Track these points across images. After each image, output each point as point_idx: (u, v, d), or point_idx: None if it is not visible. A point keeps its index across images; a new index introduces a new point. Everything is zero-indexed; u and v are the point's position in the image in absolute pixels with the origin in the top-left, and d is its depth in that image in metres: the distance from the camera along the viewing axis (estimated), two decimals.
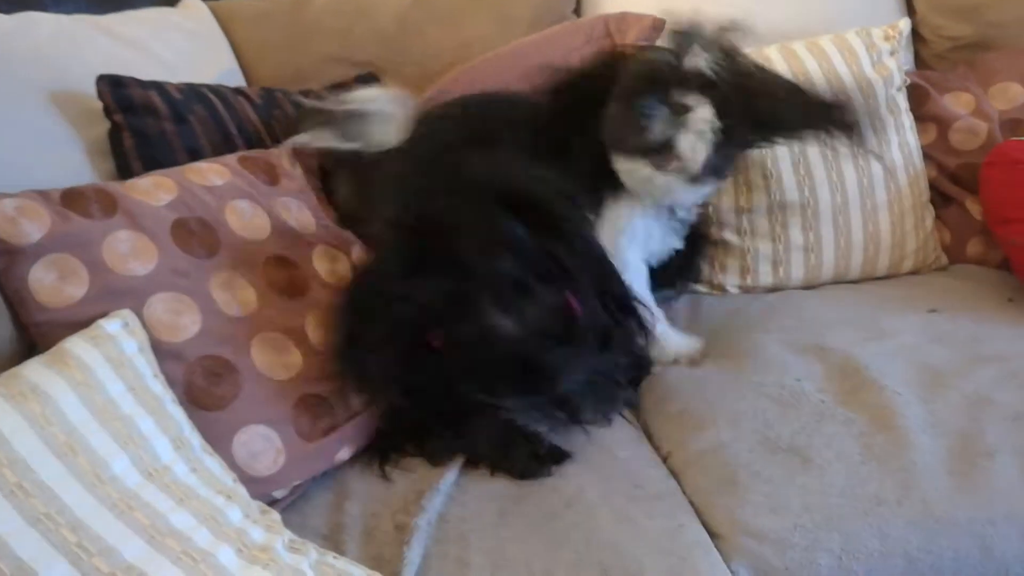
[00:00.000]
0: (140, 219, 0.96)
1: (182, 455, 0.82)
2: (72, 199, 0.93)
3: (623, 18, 1.47)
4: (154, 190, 1.00)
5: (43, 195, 0.92)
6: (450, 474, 1.00)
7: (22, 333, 0.89)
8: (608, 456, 1.04)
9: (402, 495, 0.98)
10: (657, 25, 1.44)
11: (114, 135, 1.18)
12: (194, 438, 0.86)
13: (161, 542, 0.73)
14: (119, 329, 0.86)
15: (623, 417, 1.14)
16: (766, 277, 1.41)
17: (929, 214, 1.46)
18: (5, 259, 0.87)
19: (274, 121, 1.35)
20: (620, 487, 0.98)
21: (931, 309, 1.28)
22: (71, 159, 1.15)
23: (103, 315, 0.87)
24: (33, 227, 0.88)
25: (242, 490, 0.87)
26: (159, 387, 0.86)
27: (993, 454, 0.97)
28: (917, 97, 1.50)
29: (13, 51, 1.17)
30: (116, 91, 1.17)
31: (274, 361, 0.99)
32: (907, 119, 1.46)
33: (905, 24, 1.49)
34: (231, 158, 1.14)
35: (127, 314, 0.89)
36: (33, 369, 0.77)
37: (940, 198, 1.49)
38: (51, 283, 0.87)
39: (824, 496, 0.94)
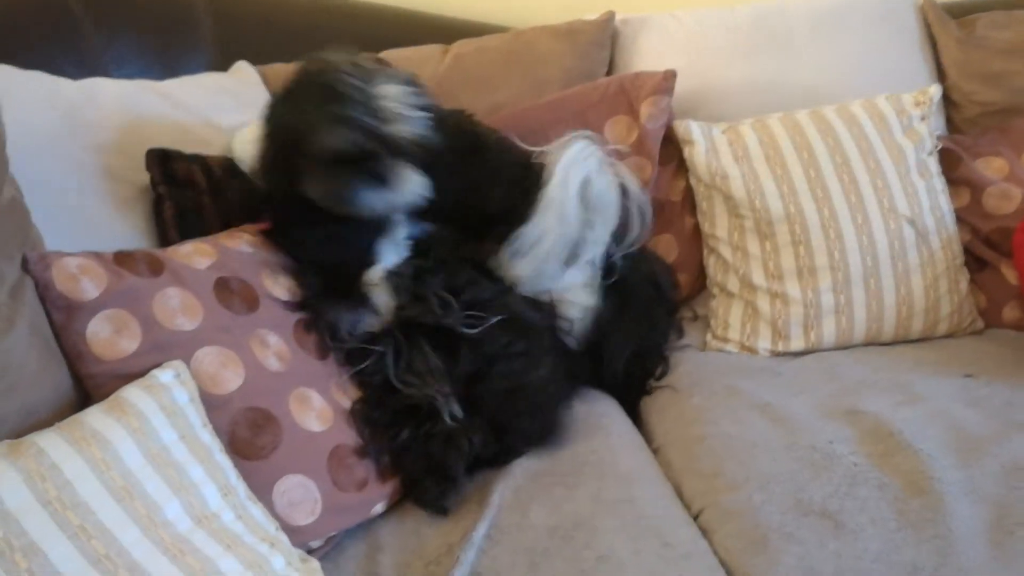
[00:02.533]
0: (185, 278, 1.01)
1: (229, 502, 0.85)
2: (123, 260, 0.98)
3: (636, 76, 1.54)
4: (194, 255, 1.06)
5: (98, 255, 0.97)
6: (482, 526, 1.01)
7: (77, 384, 0.92)
8: (639, 513, 1.04)
9: (434, 547, 0.99)
10: (668, 77, 1.50)
11: (157, 204, 1.24)
12: (240, 486, 0.89)
13: None
14: (172, 379, 0.90)
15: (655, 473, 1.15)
16: (798, 341, 1.42)
17: (964, 277, 1.46)
18: (65, 314, 0.92)
19: None
20: (650, 545, 0.98)
21: (967, 374, 1.28)
22: (127, 222, 1.21)
23: (153, 367, 0.91)
24: (91, 284, 0.93)
25: (284, 538, 0.90)
26: (208, 436, 0.90)
27: None
28: (949, 161, 1.52)
29: (80, 117, 1.23)
30: (163, 164, 1.24)
31: (309, 414, 1.02)
32: (939, 183, 1.47)
33: (936, 90, 1.51)
34: (260, 227, 1.20)
35: (179, 365, 0.93)
36: (94, 416, 0.81)
37: (975, 262, 1.49)
38: (106, 337, 0.92)
39: (858, 561, 0.93)
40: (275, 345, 1.05)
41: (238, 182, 1.28)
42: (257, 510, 0.89)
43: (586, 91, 1.54)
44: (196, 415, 0.90)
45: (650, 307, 1.39)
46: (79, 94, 1.27)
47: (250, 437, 0.95)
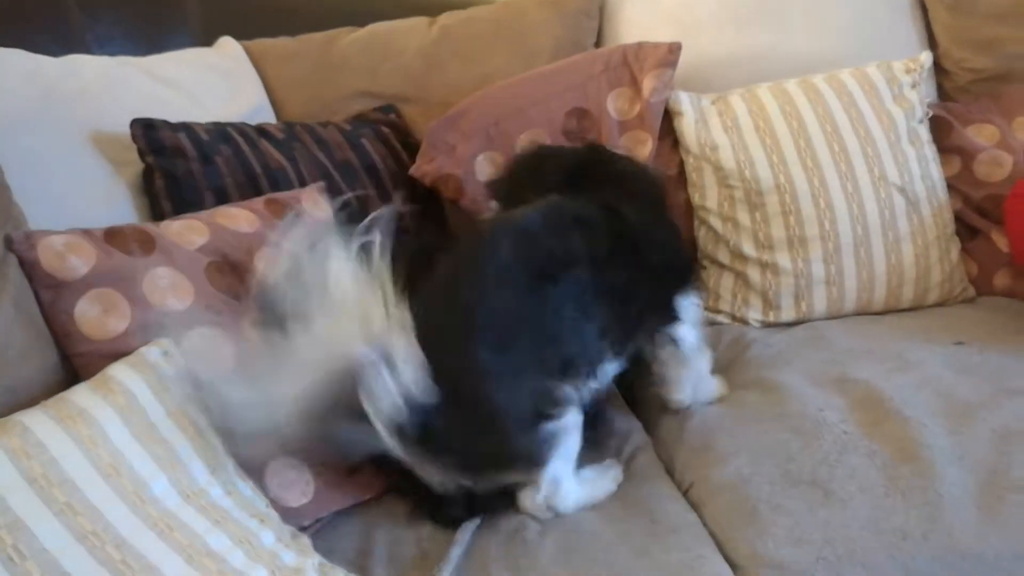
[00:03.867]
0: (177, 258, 1.00)
1: (218, 478, 0.85)
2: (113, 237, 0.97)
3: (640, 47, 1.50)
4: (186, 232, 1.04)
5: (87, 232, 0.96)
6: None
7: (65, 362, 0.92)
8: (626, 490, 1.05)
9: (429, 524, 1.00)
10: (674, 49, 1.47)
11: (147, 175, 1.23)
12: (228, 462, 0.89)
13: (199, 562, 0.76)
14: (159, 357, 0.90)
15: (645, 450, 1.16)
16: (789, 312, 1.42)
17: (955, 246, 1.46)
18: (52, 292, 0.91)
19: (296, 154, 1.38)
20: (638, 523, 0.99)
21: (957, 341, 1.27)
22: (113, 196, 1.20)
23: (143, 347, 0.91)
24: (80, 262, 0.92)
25: (274, 514, 0.90)
26: (196, 412, 0.89)
27: (1022, 488, 0.95)
28: (940, 129, 1.51)
29: (61, 93, 1.22)
30: (148, 134, 1.22)
31: None
32: (929, 151, 1.47)
33: (927, 57, 1.50)
34: (258, 202, 1.17)
35: (167, 343, 0.92)
36: (80, 394, 0.81)
37: (966, 230, 1.48)
38: (95, 316, 0.91)
39: (847, 529, 0.94)
40: None
41: (226, 148, 1.27)
42: (246, 486, 0.89)
43: (586, 61, 1.51)
44: (184, 392, 0.90)
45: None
46: (60, 71, 1.26)
47: None
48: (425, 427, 0.89)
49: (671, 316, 1.15)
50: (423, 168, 1.46)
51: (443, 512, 1.00)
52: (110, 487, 0.74)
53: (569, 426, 1.00)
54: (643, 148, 1.47)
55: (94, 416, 0.78)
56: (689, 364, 1.18)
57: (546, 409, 0.98)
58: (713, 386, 1.22)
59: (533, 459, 0.98)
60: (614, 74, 1.49)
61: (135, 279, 0.95)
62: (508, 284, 0.98)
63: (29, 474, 0.70)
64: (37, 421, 0.75)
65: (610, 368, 1.12)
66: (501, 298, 0.97)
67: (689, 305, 1.17)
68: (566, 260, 1.02)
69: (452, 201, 1.48)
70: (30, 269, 0.91)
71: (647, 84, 1.46)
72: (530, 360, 0.98)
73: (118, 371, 0.85)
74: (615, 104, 1.48)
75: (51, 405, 0.78)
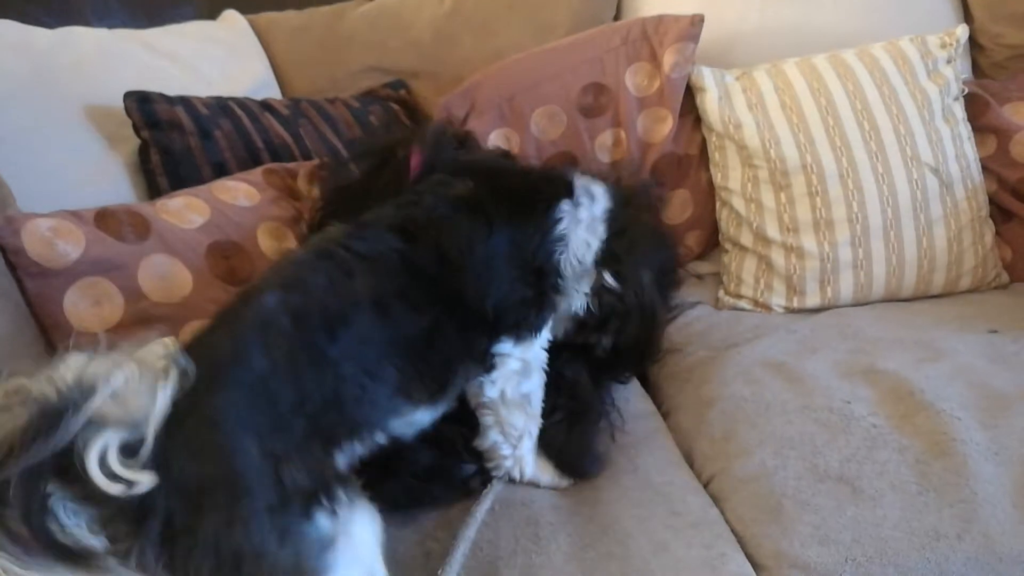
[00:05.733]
0: (174, 243, 0.95)
1: None
2: (105, 220, 0.92)
3: (660, 20, 1.44)
4: (185, 211, 1.00)
5: (76, 215, 0.91)
6: (486, 502, 0.97)
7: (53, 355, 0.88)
8: (645, 481, 1.00)
9: (431, 525, 0.95)
10: (696, 22, 1.41)
11: (143, 151, 1.19)
12: None
13: None
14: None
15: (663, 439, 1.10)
16: (813, 297, 1.36)
17: (989, 230, 1.39)
18: (39, 282, 0.86)
19: (301, 131, 1.34)
20: (657, 514, 0.94)
21: (991, 330, 1.22)
22: (108, 173, 1.16)
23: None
24: (68, 247, 0.87)
25: None
26: None
27: None
28: (976, 107, 1.44)
29: (54, 66, 1.17)
30: (143, 107, 1.18)
31: None
32: (964, 129, 1.40)
33: (963, 31, 1.43)
34: (256, 173, 1.13)
35: (169, 342, 0.86)
36: None
37: (1001, 213, 1.42)
38: (86, 308, 0.87)
39: (877, 528, 0.89)
40: None
41: (226, 122, 1.22)
42: None
43: (604, 35, 1.45)
44: None
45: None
46: (53, 42, 1.22)
47: None
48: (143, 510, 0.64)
49: (482, 366, 0.95)
50: None
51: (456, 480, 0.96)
52: None
53: (352, 528, 0.75)
54: (663, 126, 1.41)
55: None
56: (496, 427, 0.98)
57: (315, 499, 0.72)
58: (533, 470, 1.01)
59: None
60: (633, 48, 1.42)
61: (129, 267, 0.90)
62: (274, 339, 0.76)
63: None
64: None
65: (422, 417, 0.93)
66: (262, 356, 0.75)
67: (505, 355, 0.96)
68: (342, 310, 0.82)
69: None
70: (14, 256, 0.86)
71: (667, 59, 1.40)
72: (295, 430, 0.74)
73: None
74: (634, 79, 1.42)
75: None
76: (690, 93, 1.44)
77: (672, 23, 1.42)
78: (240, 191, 1.08)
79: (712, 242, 1.50)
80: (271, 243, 1.06)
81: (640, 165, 1.42)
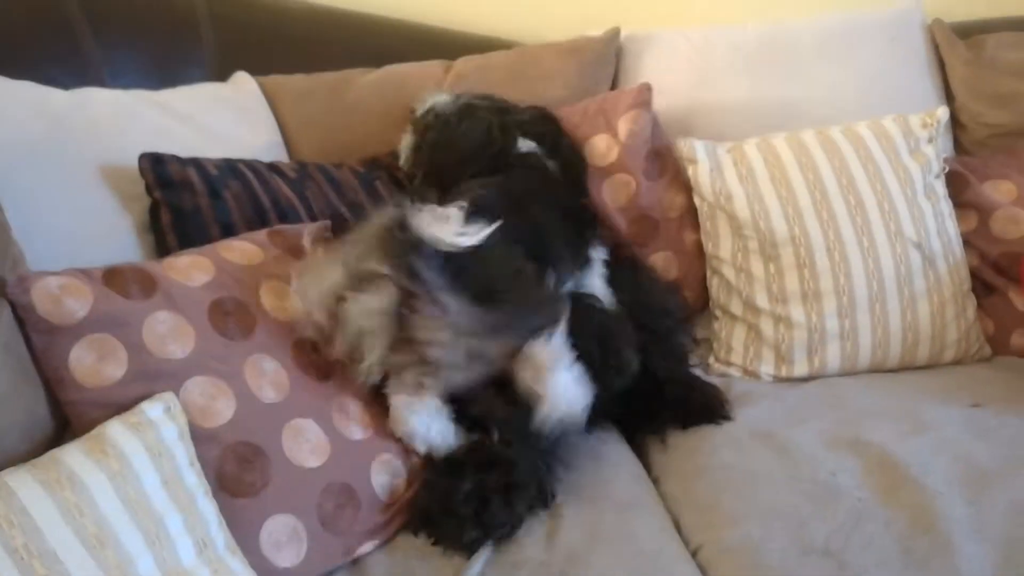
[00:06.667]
0: (178, 300, 0.97)
1: (204, 558, 0.81)
2: (113, 278, 0.95)
3: (612, 94, 1.57)
4: (191, 270, 1.02)
5: (86, 273, 0.94)
6: (476, 562, 0.98)
7: (56, 409, 0.90)
8: (637, 548, 1.01)
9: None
10: (644, 90, 1.52)
11: (154, 211, 1.22)
12: (219, 536, 0.86)
13: None
14: (161, 415, 0.87)
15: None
16: (802, 367, 1.39)
17: (971, 304, 1.43)
18: (46, 338, 0.89)
19: (308, 193, 1.38)
20: None
21: (974, 403, 1.25)
22: (120, 232, 1.19)
23: (140, 397, 0.88)
24: (76, 306, 0.90)
25: None
26: (193, 478, 0.86)
27: None
28: (957, 184, 1.49)
29: (69, 126, 1.21)
30: (156, 168, 1.21)
31: (303, 448, 0.99)
32: (946, 206, 1.45)
33: (943, 112, 1.49)
34: (261, 234, 1.16)
35: (169, 398, 0.90)
36: (72, 455, 0.78)
37: (983, 287, 1.46)
38: (90, 363, 0.89)
39: None
40: (271, 372, 1.02)
41: (236, 183, 1.27)
42: (236, 562, 0.86)
43: (568, 113, 1.54)
44: (184, 453, 0.87)
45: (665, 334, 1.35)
46: (69, 103, 1.25)
47: (239, 473, 0.92)
48: None
49: None
50: None
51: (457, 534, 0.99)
52: (94, 560, 0.71)
53: None
54: (627, 189, 1.50)
55: (84, 481, 0.75)
56: None
57: None
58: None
59: None
60: (591, 122, 1.52)
61: (133, 324, 0.92)
62: None
63: (9, 543, 0.67)
64: (23, 484, 0.72)
65: None
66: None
67: None
68: None
69: None
70: (24, 313, 0.88)
71: (622, 127, 1.49)
72: None
73: (114, 430, 0.82)
74: (594, 151, 1.51)
75: (39, 465, 0.75)
76: (665, 158, 1.52)
77: (624, 95, 1.53)
78: (245, 251, 1.11)
79: (701, 302, 1.54)
80: (273, 301, 1.08)
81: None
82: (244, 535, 0.89)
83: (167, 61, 1.61)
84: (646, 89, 1.51)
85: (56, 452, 0.78)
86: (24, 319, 0.88)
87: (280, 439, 0.97)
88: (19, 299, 0.88)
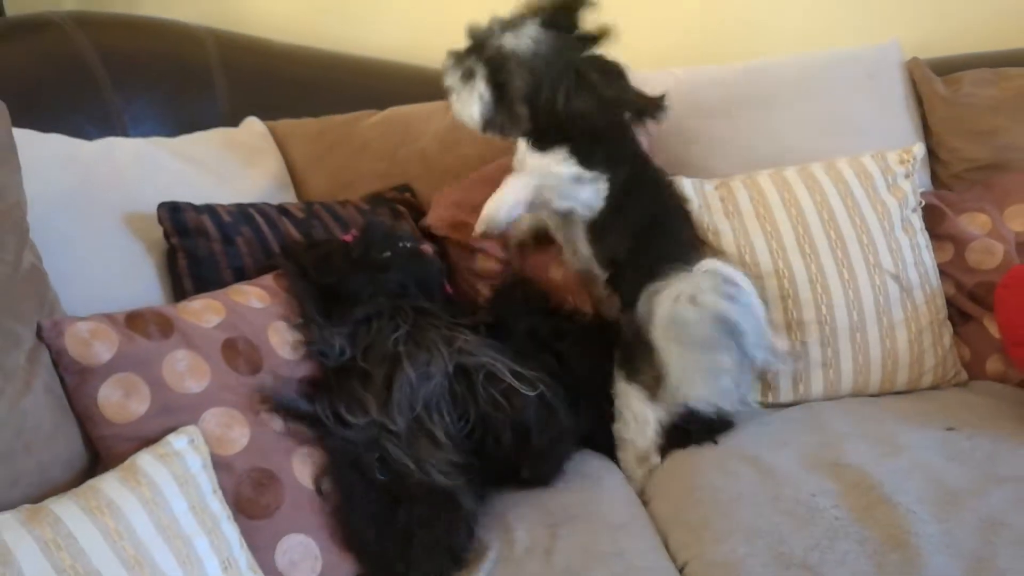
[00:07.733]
0: (194, 340, 1.05)
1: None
2: (135, 321, 1.03)
3: None
4: (204, 312, 1.10)
5: (111, 318, 1.02)
6: None
7: (88, 443, 0.97)
8: (628, 565, 1.07)
9: None
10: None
11: (171, 256, 1.30)
12: (242, 557, 0.93)
13: None
14: (185, 446, 0.95)
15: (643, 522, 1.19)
16: (787, 394, 1.46)
17: (947, 331, 1.50)
18: (78, 378, 0.97)
19: (313, 232, 1.45)
20: None
21: (948, 427, 1.30)
22: (142, 276, 1.26)
23: (163, 430, 0.96)
24: (103, 348, 0.98)
25: None
26: (217, 504, 0.94)
27: None
28: (934, 217, 1.56)
29: (96, 176, 1.29)
30: (174, 216, 1.29)
31: (311, 471, 1.07)
32: (923, 238, 1.52)
33: (919, 149, 1.56)
34: (268, 278, 1.25)
35: (193, 431, 0.97)
36: (109, 484, 0.85)
37: (959, 315, 1.52)
38: (117, 400, 0.96)
39: None
40: None
41: (247, 228, 1.35)
42: None
43: None
44: (207, 482, 0.94)
45: None
46: (95, 154, 1.33)
47: (254, 496, 0.99)
48: None
49: None
50: (439, 214, 1.55)
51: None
52: None
53: None
54: None
55: (121, 508, 0.82)
56: None
57: None
58: None
59: None
60: None
61: (155, 363, 1.00)
62: None
63: (59, 565, 0.74)
64: (68, 511, 0.79)
65: None
66: None
67: None
68: None
69: (464, 248, 1.55)
70: (57, 356, 0.96)
71: None
72: None
73: (145, 461, 0.89)
74: None
75: (81, 494, 0.82)
76: None
77: None
78: (253, 294, 1.19)
79: None
80: (279, 338, 1.16)
81: None
82: (260, 554, 0.96)
83: (182, 108, 1.69)
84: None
85: (94, 482, 0.85)
86: (57, 361, 0.96)
87: (291, 463, 1.05)
88: (54, 342, 0.96)
